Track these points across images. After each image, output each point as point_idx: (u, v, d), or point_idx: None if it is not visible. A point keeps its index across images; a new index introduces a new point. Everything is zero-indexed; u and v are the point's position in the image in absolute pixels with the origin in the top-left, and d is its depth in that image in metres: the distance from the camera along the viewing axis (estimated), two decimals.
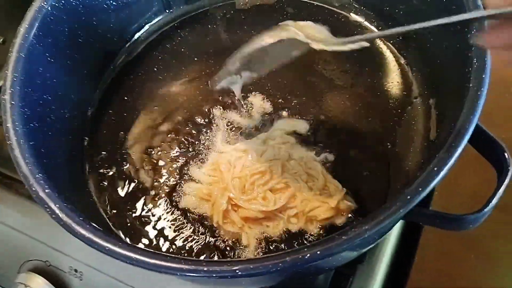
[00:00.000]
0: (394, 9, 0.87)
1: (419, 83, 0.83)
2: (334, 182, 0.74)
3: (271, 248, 0.71)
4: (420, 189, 0.53)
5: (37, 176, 0.61)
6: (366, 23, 0.92)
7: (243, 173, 0.75)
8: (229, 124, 0.83)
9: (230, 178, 0.75)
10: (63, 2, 0.77)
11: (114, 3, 0.87)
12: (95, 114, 0.87)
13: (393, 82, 0.84)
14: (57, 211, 0.58)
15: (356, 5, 0.94)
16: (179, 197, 0.78)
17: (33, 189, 0.60)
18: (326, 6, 0.95)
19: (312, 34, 0.60)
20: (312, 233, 0.72)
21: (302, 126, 0.81)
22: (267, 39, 0.63)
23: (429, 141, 0.76)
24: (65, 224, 0.57)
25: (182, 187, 0.78)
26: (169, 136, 0.84)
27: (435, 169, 0.54)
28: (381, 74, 0.86)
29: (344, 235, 0.51)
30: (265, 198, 0.73)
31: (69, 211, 0.58)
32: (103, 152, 0.83)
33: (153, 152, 0.82)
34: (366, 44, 0.57)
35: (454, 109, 0.62)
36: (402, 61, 0.86)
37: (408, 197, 0.52)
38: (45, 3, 0.74)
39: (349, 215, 0.72)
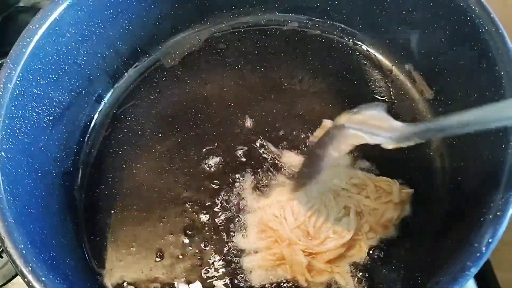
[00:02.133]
0: None
1: None
2: (381, 179, 0.73)
3: (369, 272, 0.68)
4: None
5: None
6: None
7: (299, 219, 0.69)
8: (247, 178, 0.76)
9: (289, 231, 0.69)
10: (12, 141, 0.62)
11: (50, 117, 0.73)
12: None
13: None
14: None
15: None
16: (243, 278, 0.68)
17: None
18: (255, 27, 0.92)
19: (376, 127, 0.58)
20: (392, 236, 0.69)
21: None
22: (335, 153, 0.61)
23: (429, 101, 0.79)
24: None
25: (239, 265, 0.69)
26: (185, 218, 0.74)
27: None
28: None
29: None
30: (336, 231, 0.68)
31: None
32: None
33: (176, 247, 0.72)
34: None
35: None
36: None
37: None
38: None
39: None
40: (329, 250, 0.67)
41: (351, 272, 0.68)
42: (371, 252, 0.69)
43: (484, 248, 0.50)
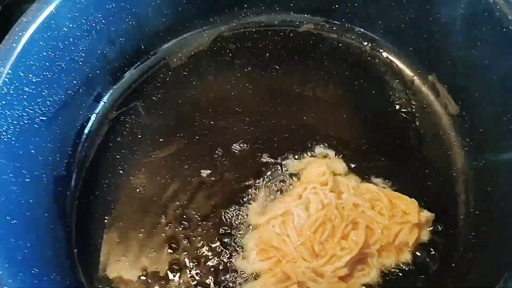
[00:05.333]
0: None
1: None
2: (398, 195, 0.67)
3: None
4: None
5: None
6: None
7: (303, 235, 0.63)
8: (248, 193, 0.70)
9: (293, 248, 0.63)
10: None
11: (42, 117, 0.68)
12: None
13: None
14: None
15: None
16: None
17: None
18: (267, 27, 0.86)
19: None
20: (407, 261, 0.64)
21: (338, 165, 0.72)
22: None
23: (453, 117, 0.73)
24: None
25: None
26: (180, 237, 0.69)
27: None
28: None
29: None
30: (343, 248, 0.63)
31: None
32: None
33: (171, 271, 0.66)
34: None
35: None
36: None
37: None
38: None
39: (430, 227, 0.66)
40: (337, 268, 0.61)
41: None
42: (383, 276, 0.63)
43: None
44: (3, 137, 0.60)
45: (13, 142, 0.61)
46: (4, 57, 0.61)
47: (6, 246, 0.52)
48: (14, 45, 0.62)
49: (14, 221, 0.57)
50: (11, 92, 0.61)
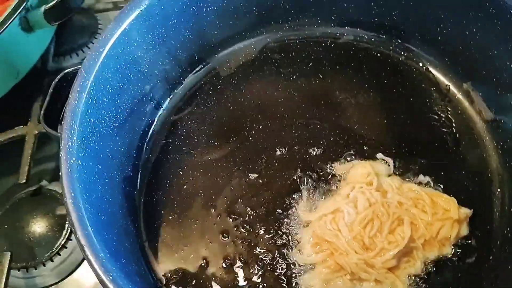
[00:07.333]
0: None
1: None
2: (438, 194, 0.73)
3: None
4: None
5: None
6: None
7: (354, 231, 0.70)
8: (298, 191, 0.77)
9: (345, 242, 0.70)
10: (85, 149, 0.65)
11: (115, 124, 0.75)
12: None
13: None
14: None
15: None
16: None
17: None
18: (310, 38, 0.93)
19: None
20: (448, 254, 0.70)
21: (381, 167, 0.78)
22: None
23: (488, 122, 0.79)
24: None
25: (297, 284, 0.70)
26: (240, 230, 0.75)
27: None
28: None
29: None
30: (390, 242, 0.69)
31: None
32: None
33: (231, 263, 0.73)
34: None
35: None
36: None
37: None
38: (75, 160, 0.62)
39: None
40: (386, 260, 0.68)
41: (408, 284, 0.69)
42: (428, 267, 0.69)
43: None
44: (89, 143, 0.67)
45: (96, 147, 0.69)
46: (88, 71, 0.68)
47: (103, 237, 0.59)
48: (96, 60, 0.69)
49: (103, 217, 0.64)
50: (94, 102, 0.69)
